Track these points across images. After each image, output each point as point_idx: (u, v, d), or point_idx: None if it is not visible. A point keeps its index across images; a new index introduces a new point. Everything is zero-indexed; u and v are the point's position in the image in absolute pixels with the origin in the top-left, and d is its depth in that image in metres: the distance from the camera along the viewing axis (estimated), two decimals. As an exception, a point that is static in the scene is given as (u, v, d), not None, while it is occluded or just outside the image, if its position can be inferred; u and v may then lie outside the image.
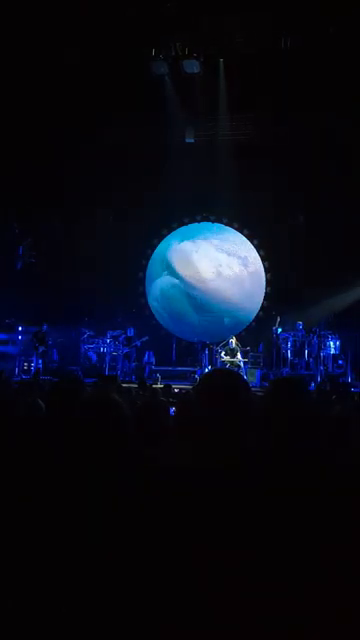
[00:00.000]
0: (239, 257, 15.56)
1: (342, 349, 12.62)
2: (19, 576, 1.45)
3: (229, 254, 15.60)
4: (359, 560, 1.28)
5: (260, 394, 2.16)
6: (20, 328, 13.63)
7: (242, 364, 12.48)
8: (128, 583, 1.31)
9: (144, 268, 15.79)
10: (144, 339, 13.26)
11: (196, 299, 15.53)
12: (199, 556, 1.26)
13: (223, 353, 12.70)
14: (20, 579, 1.44)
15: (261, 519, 1.29)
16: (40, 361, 12.81)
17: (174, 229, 15.73)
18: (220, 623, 1.23)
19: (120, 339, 13.25)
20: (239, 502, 1.30)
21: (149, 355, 13.36)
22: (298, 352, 12.97)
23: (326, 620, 1.24)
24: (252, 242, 15.40)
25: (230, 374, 1.55)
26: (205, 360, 12.98)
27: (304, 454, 1.47)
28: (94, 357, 13.39)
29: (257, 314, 15.17)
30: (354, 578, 1.26)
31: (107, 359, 13.09)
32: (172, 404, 4.48)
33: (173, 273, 15.82)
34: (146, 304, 15.69)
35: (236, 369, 11.63)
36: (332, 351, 12.59)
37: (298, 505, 1.32)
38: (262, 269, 15.28)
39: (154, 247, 15.79)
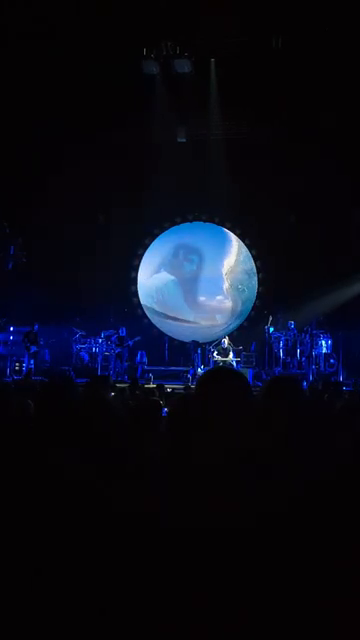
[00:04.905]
0: (231, 256, 15.58)
1: (334, 348, 12.66)
2: (18, 577, 1.43)
3: (222, 253, 15.61)
4: (358, 559, 1.27)
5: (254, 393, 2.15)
6: (11, 328, 13.56)
7: (234, 363, 12.49)
8: (126, 585, 1.30)
9: (136, 268, 15.78)
10: (136, 339, 13.22)
11: (188, 297, 15.55)
12: (199, 555, 1.25)
13: (215, 353, 12.72)
14: (18, 580, 1.43)
15: (261, 518, 1.28)
16: (32, 361, 12.76)
17: (166, 229, 15.73)
18: (220, 623, 1.21)
19: (112, 339, 13.22)
20: (240, 500, 1.29)
21: (141, 355, 13.33)
22: (290, 351, 13.02)
23: (325, 620, 1.23)
24: (244, 242, 15.43)
25: (233, 373, 1.53)
26: (198, 360, 12.98)
27: (302, 452, 1.46)
28: (86, 357, 13.34)
29: (249, 313, 15.20)
30: (354, 578, 1.26)
31: (99, 359, 13.05)
32: (165, 404, 4.46)
33: (166, 271, 15.84)
34: (139, 304, 15.67)
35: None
36: (324, 350, 12.63)
37: (298, 504, 1.31)
38: (254, 269, 15.32)
39: (146, 247, 15.78)
